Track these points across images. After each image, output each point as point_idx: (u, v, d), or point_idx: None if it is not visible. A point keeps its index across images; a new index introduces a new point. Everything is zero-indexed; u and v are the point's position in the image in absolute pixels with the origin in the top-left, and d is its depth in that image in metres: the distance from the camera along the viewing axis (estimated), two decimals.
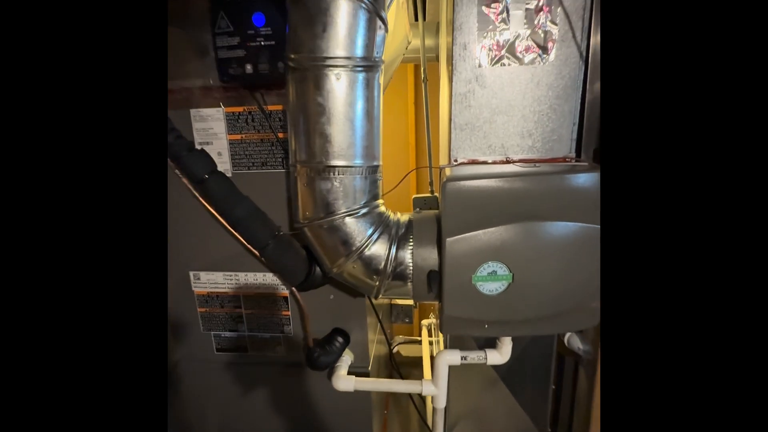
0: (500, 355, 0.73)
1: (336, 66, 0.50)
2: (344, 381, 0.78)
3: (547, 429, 0.87)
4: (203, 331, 0.89)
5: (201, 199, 0.60)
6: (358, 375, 0.79)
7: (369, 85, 0.52)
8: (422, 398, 1.19)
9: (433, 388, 0.75)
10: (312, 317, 0.83)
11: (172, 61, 0.72)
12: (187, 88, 0.74)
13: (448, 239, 0.50)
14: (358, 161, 0.53)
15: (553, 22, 0.65)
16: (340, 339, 0.80)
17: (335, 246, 0.56)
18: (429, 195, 1.21)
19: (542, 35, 0.65)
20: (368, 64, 0.51)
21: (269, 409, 0.93)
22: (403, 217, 0.59)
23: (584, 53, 0.65)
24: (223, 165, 0.76)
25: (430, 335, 1.41)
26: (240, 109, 0.74)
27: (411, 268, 0.54)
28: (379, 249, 0.54)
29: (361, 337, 0.85)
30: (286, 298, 0.84)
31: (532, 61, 0.66)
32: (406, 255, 0.54)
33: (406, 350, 1.62)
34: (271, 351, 0.89)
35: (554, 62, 0.66)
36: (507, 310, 0.52)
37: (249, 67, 0.64)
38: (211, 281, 0.85)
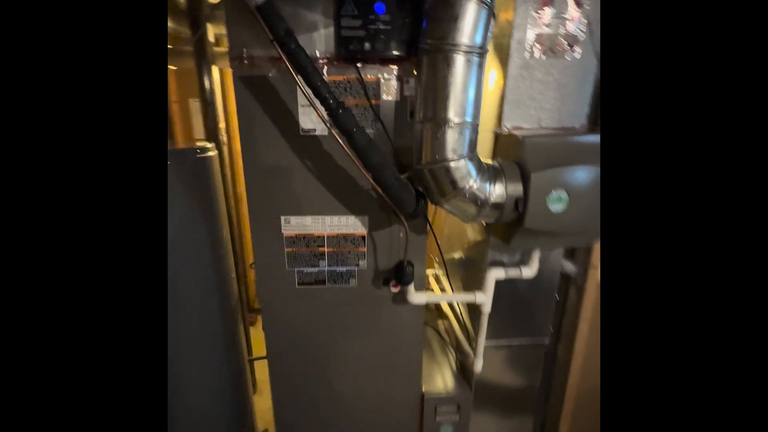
0: (530, 270, 1.02)
1: (462, 51, 0.71)
2: (418, 296, 1.01)
3: (549, 330, 1.19)
4: (288, 269, 1.05)
5: (344, 146, 0.77)
6: None
7: (480, 66, 0.74)
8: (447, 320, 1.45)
9: (484, 297, 1.01)
10: (385, 250, 1.04)
11: None
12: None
13: (533, 174, 0.75)
14: (468, 119, 0.75)
15: (581, 29, 0.91)
16: (411, 267, 1.02)
17: (447, 183, 0.78)
18: None
19: (573, 37, 0.91)
20: (482, 51, 0.73)
21: (340, 331, 1.12)
22: (491, 162, 0.82)
23: (598, 52, 0.93)
24: (321, 124, 0.92)
25: (437, 282, 1.68)
26: (341, 78, 0.90)
27: (504, 197, 0.78)
28: (481, 185, 0.77)
29: (420, 269, 1.08)
30: (363, 237, 1.03)
31: (563, 56, 0.93)
32: (500, 188, 0.78)
33: None
34: (344, 283, 1.07)
35: (579, 58, 0.93)
36: (563, 224, 0.79)
37: (367, 45, 0.81)
38: (300, 224, 1.01)
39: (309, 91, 0.73)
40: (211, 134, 1.56)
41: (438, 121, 0.74)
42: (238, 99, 0.90)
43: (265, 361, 1.52)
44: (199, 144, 1.10)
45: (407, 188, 0.81)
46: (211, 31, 1.48)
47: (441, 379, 1.30)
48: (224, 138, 1.70)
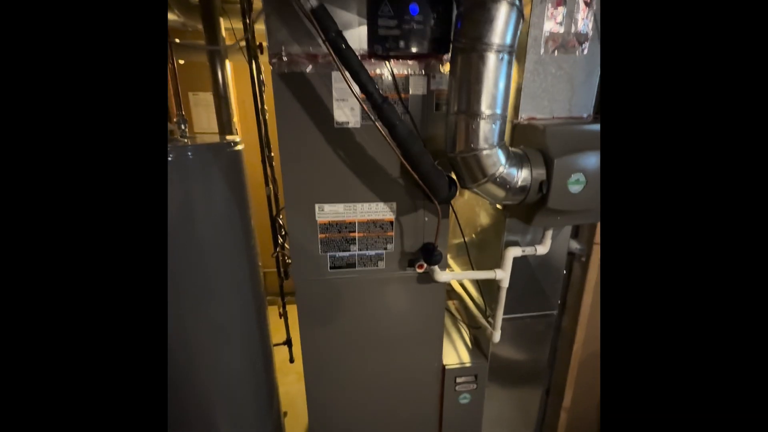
0: (544, 247, 1.12)
1: (494, 50, 0.78)
2: (444, 275, 1.10)
3: (557, 302, 1.30)
4: (320, 253, 1.11)
5: (388, 139, 0.84)
6: None
7: (509, 63, 0.82)
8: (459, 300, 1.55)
9: (503, 273, 1.11)
10: (410, 234, 1.12)
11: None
12: (329, 55, 0.94)
13: (556, 159, 0.84)
14: (499, 110, 0.83)
15: (589, 26, 1.00)
16: (437, 249, 1.10)
17: (478, 170, 0.86)
18: None
19: (582, 35, 1.00)
20: (511, 50, 0.80)
21: (368, 310, 1.20)
22: (516, 149, 0.91)
23: None
24: (354, 117, 0.99)
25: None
26: (371, 74, 0.96)
27: (530, 180, 0.87)
28: (510, 171, 0.86)
29: (443, 250, 1.16)
30: (391, 222, 1.11)
31: (574, 52, 1.02)
32: (525, 173, 0.87)
33: None
34: (373, 265, 1.15)
35: (587, 54, 1.02)
36: (580, 203, 0.89)
37: (401, 44, 0.88)
38: (333, 211, 1.07)
39: (356, 87, 0.79)
40: (225, 128, 1.59)
41: (471, 113, 0.82)
42: (276, 94, 0.95)
43: (279, 348, 1.60)
44: (229, 137, 1.14)
45: (442, 175, 0.89)
46: (223, 25, 1.50)
47: (456, 353, 1.41)
48: (237, 131, 1.72)
